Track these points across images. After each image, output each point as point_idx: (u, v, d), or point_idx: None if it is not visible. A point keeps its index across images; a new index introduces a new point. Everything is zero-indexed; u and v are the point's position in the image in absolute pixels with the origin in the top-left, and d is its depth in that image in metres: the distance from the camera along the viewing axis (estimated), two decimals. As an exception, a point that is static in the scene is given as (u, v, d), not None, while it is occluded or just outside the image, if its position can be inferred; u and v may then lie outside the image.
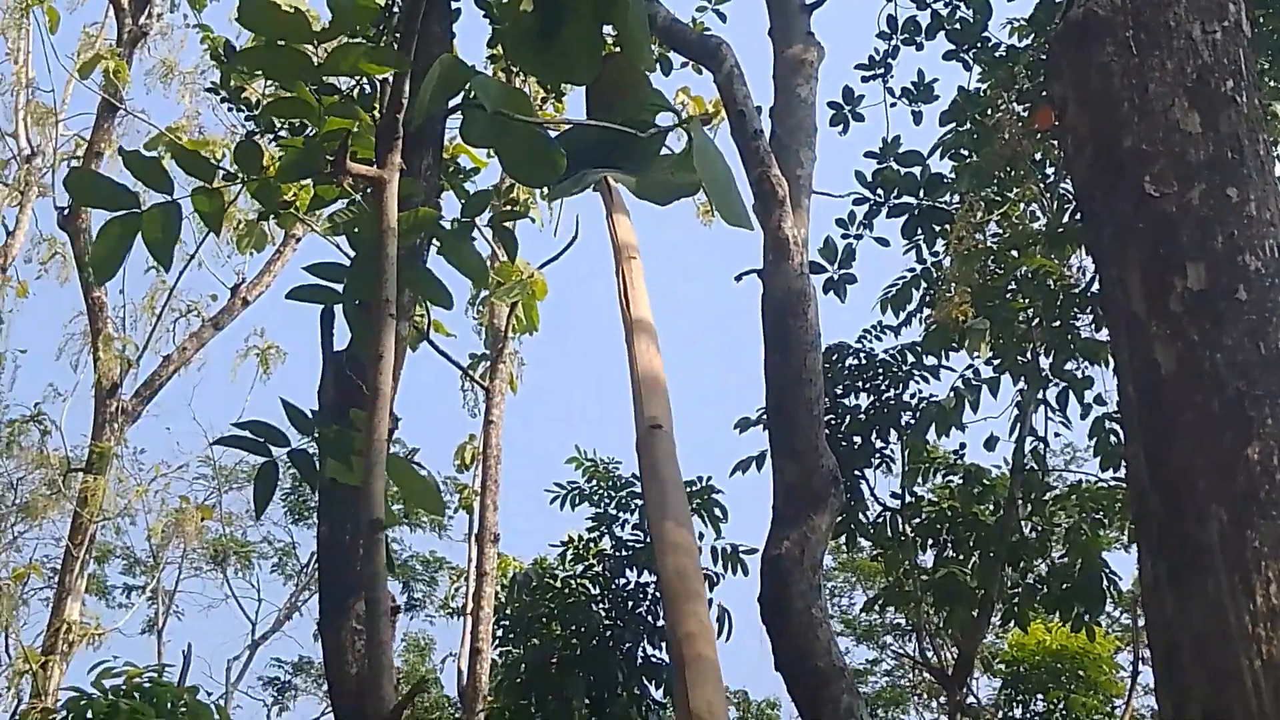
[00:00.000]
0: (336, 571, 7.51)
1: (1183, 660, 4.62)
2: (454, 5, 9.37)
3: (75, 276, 23.84)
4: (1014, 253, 14.38)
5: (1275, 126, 13.74)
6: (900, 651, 27.22)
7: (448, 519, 32.80)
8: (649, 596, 15.95)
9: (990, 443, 15.20)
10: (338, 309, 6.24)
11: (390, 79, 5.13)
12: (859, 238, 14.59)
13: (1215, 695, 4.51)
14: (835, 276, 14.38)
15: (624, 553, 16.20)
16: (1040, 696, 19.73)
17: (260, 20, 4.87)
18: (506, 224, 6.02)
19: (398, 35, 5.38)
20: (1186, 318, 4.89)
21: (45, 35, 24.71)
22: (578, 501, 16.71)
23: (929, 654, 17.20)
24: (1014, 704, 20.54)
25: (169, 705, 11.72)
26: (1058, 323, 14.12)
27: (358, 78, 7.95)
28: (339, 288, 5.62)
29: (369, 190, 5.44)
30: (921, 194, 14.46)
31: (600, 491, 16.65)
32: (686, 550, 2.92)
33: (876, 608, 23.86)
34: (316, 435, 5.66)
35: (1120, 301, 5.07)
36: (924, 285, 15.21)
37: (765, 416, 12.60)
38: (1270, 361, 4.82)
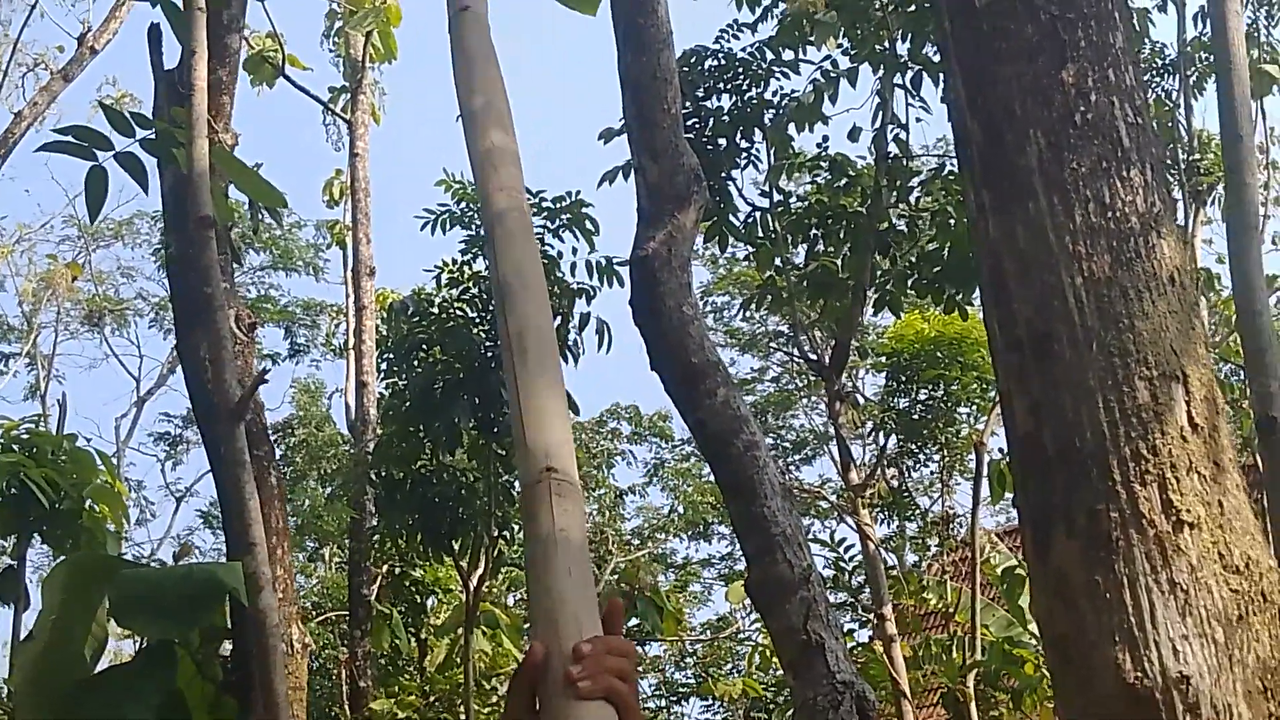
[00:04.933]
0: (186, 285, 7.44)
1: (1008, 283, 4.70)
2: None
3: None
4: (867, -62, 14.22)
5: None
6: (785, 352, 27.53)
7: (323, 261, 32.59)
8: (527, 314, 15.98)
9: (853, 134, 15.25)
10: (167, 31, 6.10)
11: None
12: (707, -70, 14.33)
13: (1040, 313, 4.60)
14: (686, -28, 14.17)
15: (499, 273, 16.13)
16: (924, 388, 20.09)
17: None
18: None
19: None
20: (1000, -56, 4.86)
21: None
22: (449, 226, 16.58)
23: (808, 351, 17.44)
24: (896, 395, 20.90)
25: (49, 454, 11.62)
26: (913, 7, 14.04)
27: None
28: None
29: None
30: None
31: (471, 213, 16.52)
32: (502, 130, 2.81)
33: (757, 314, 24.20)
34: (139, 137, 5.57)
35: (935, -65, 5.03)
36: (779, -21, 15.06)
37: (624, 120, 12.54)
38: (1082, -17, 4.81)
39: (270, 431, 30.43)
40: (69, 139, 5.56)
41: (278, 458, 29.56)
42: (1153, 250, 4.57)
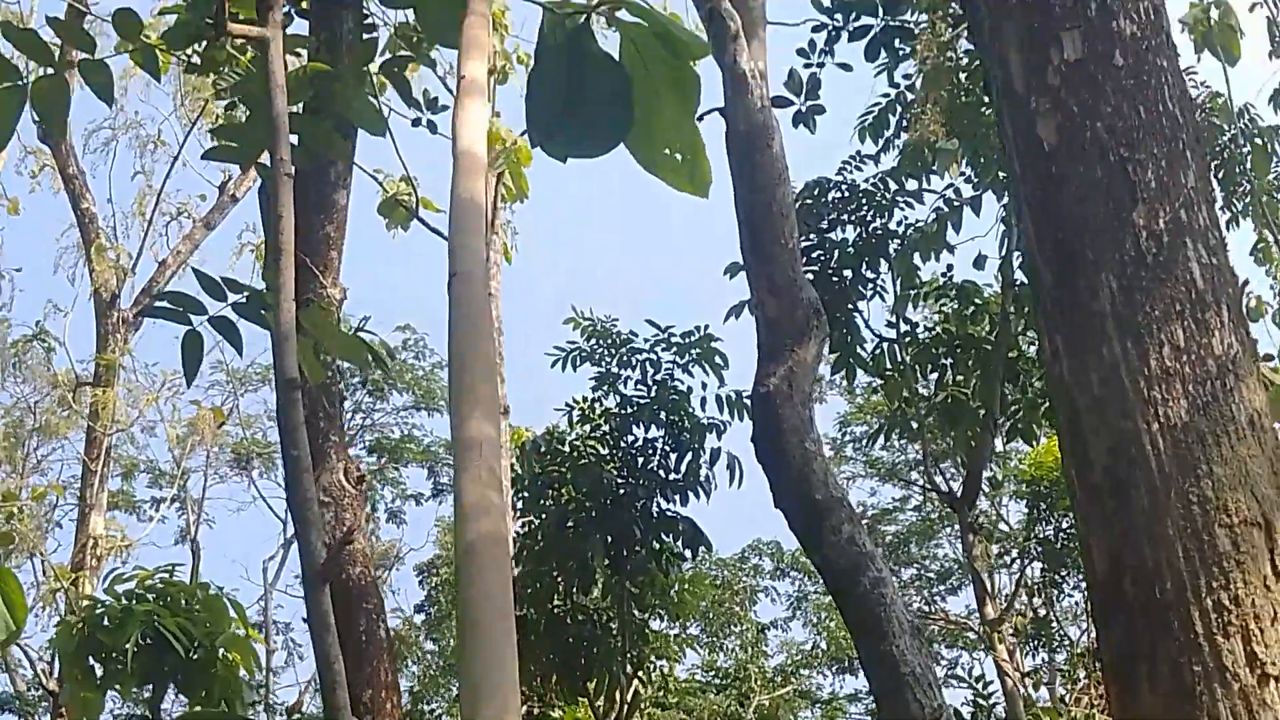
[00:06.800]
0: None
1: (1083, 427, 4.62)
2: None
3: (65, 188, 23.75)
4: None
5: None
6: (919, 487, 27.18)
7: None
8: (658, 450, 15.99)
9: (979, 261, 15.19)
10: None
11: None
12: (822, 65, 14.31)
13: (1116, 459, 4.51)
14: (803, 108, 14.09)
15: (629, 409, 16.20)
16: (1065, 515, 19.75)
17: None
18: (398, 70, 5.98)
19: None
20: (1065, 89, 4.81)
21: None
22: (579, 362, 16.67)
23: (939, 482, 17.25)
24: (1039, 523, 20.58)
25: (183, 603, 11.73)
26: (1034, 135, 13.94)
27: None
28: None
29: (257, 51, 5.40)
30: (881, 13, 14.20)
31: (601, 350, 16.60)
32: (484, 410, 2.74)
33: (894, 443, 23.96)
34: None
35: (1002, 80, 5.00)
36: (899, 110, 15.07)
37: (742, 255, 12.58)
38: (1151, 124, 4.76)
39: (415, 573, 30.57)
40: (166, 305, 5.69)
41: (423, 598, 29.68)
42: (1230, 394, 4.47)
